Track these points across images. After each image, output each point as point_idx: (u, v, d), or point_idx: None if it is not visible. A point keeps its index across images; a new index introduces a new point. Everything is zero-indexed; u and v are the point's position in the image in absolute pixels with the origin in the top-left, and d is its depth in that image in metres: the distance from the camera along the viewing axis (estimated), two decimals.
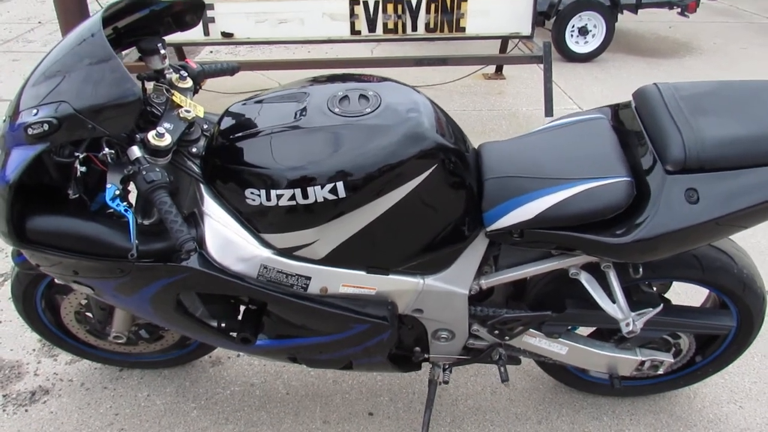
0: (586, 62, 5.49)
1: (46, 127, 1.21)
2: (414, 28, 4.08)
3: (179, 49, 4.65)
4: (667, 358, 1.69)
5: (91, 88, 1.20)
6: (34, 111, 1.24)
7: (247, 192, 1.33)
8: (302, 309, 1.44)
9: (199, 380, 2.06)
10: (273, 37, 4.07)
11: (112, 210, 1.37)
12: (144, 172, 1.23)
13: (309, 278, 1.42)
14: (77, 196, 1.37)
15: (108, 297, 1.49)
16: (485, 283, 1.55)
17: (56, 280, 1.77)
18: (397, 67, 3.92)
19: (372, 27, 4.07)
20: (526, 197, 1.40)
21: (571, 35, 5.46)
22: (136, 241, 1.27)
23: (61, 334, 1.92)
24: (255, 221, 1.37)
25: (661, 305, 1.51)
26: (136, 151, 1.26)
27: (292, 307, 1.44)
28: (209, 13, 3.96)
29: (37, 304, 1.82)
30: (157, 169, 1.24)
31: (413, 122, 1.35)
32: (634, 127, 1.46)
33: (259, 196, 1.32)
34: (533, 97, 4.57)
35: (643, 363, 1.69)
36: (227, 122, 1.44)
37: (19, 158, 1.25)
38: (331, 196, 1.30)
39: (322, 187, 1.29)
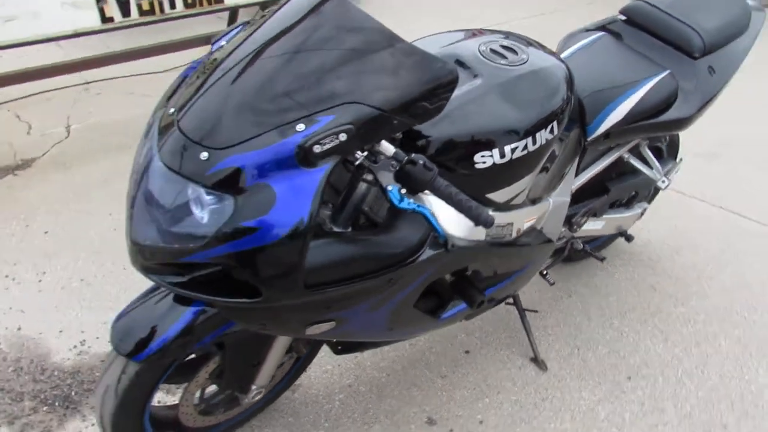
0: None
1: (343, 137, 1.01)
2: (172, 5, 3.72)
3: None
4: (648, 204, 2.28)
5: (389, 79, 1.04)
6: (299, 126, 1.00)
7: (477, 157, 1.32)
8: (515, 254, 1.51)
9: (298, 411, 1.83)
10: None
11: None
12: (420, 162, 1.13)
13: (511, 224, 1.49)
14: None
15: (349, 325, 1.27)
16: (574, 186, 1.84)
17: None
18: (185, 49, 3.56)
19: (126, 11, 3.54)
20: (615, 103, 1.72)
21: None
22: (445, 230, 1.17)
23: None
24: (481, 183, 1.36)
25: (682, 158, 2.06)
26: (389, 146, 1.14)
27: (509, 254, 1.50)
28: None
29: (147, 409, 1.36)
30: (424, 157, 1.15)
31: (557, 59, 1.52)
32: (636, 36, 1.90)
33: (492, 156, 1.32)
34: None
35: (640, 215, 2.25)
36: None
37: (303, 189, 1.01)
38: (550, 136, 1.40)
39: (545, 129, 1.38)
